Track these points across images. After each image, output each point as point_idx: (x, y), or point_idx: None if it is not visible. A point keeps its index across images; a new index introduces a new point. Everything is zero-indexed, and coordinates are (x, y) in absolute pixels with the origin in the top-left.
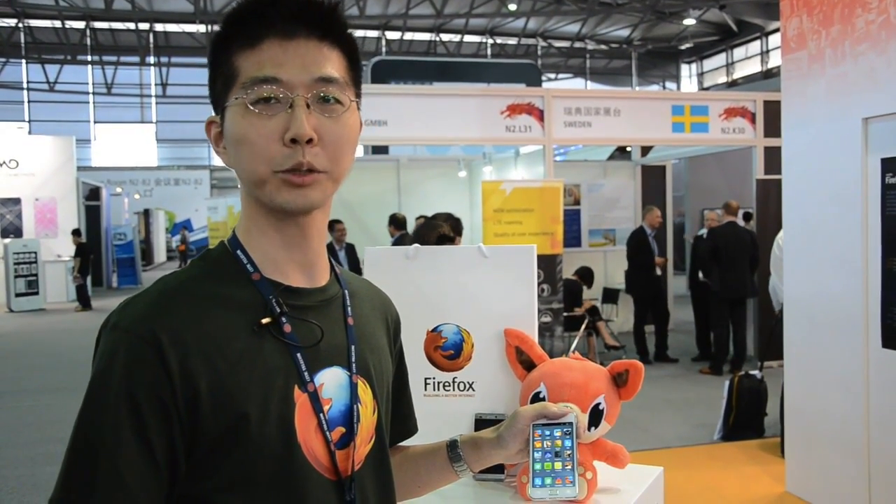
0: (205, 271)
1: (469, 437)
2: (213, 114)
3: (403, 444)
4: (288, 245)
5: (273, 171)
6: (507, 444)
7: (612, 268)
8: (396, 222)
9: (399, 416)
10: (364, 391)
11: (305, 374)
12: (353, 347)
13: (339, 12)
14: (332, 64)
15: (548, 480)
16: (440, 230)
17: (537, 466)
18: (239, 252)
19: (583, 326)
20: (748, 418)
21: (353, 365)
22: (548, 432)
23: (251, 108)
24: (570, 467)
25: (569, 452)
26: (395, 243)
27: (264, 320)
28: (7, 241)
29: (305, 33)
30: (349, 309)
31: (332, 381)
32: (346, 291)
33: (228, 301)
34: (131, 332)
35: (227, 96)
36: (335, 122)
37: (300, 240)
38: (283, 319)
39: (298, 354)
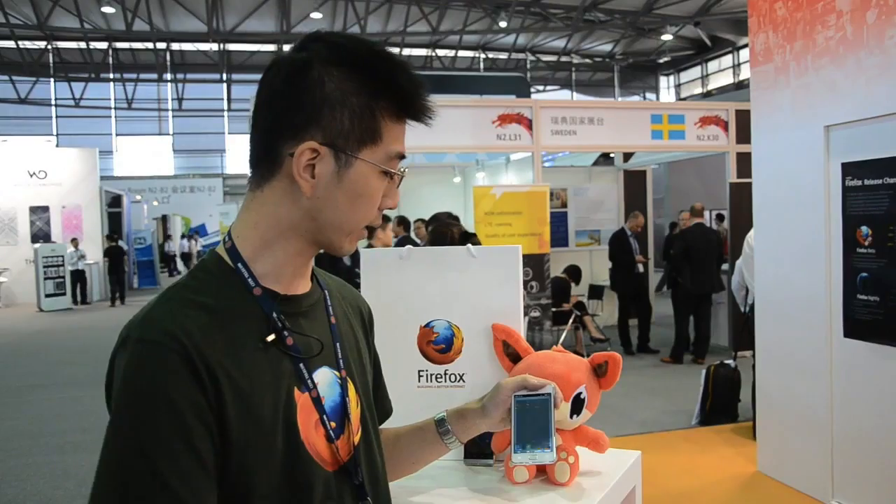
0: (207, 283)
1: (455, 409)
2: (303, 134)
3: (388, 426)
4: (305, 265)
5: (363, 227)
6: (490, 413)
7: (597, 266)
8: (404, 224)
9: (377, 400)
10: (349, 386)
11: (307, 376)
12: (337, 345)
13: None
14: None
15: (528, 446)
16: (461, 228)
17: (518, 434)
18: (240, 265)
19: (570, 321)
20: (723, 404)
21: (340, 362)
22: (527, 402)
23: (385, 177)
24: (547, 434)
25: (547, 421)
26: (398, 243)
27: (269, 338)
28: (37, 245)
29: None
30: (330, 309)
31: (323, 379)
32: (326, 292)
33: (234, 313)
34: (159, 342)
35: (359, 148)
36: None
37: (311, 260)
38: (285, 334)
39: (301, 364)
